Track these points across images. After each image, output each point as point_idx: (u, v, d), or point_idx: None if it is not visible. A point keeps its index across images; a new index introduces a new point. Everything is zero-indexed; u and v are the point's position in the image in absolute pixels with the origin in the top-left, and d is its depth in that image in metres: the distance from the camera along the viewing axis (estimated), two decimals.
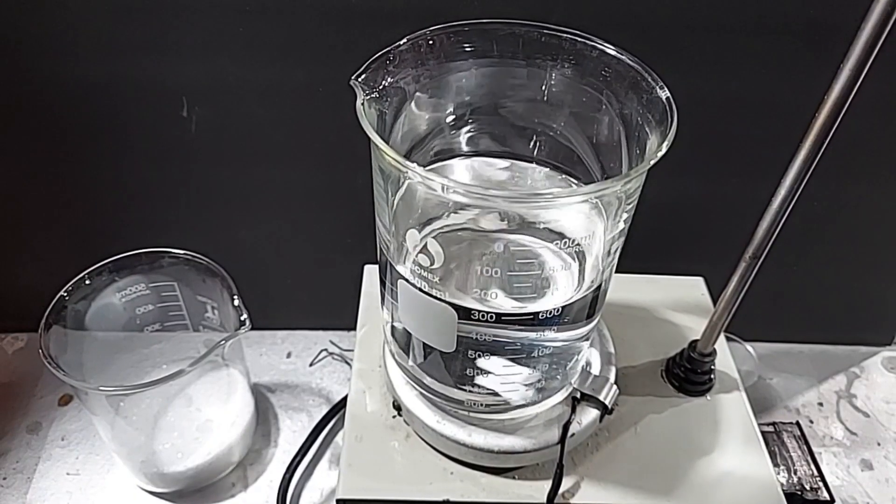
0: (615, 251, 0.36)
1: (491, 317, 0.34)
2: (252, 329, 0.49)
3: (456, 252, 0.38)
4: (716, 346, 0.44)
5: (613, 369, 0.43)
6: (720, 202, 0.59)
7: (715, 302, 0.42)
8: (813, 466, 0.54)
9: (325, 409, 0.60)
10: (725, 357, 0.47)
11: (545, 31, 0.36)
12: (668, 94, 0.32)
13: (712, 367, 0.45)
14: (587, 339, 0.40)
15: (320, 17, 0.48)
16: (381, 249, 0.37)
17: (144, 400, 0.54)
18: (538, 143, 0.40)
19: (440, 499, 0.39)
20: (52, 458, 0.57)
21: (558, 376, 0.39)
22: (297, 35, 0.49)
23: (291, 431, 0.60)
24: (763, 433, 0.43)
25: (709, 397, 0.45)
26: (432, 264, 0.33)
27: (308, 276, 0.64)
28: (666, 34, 0.49)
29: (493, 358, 0.36)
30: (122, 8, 0.47)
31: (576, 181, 0.39)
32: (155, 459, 0.52)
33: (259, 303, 0.66)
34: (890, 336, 0.70)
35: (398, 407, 0.42)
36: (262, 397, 0.62)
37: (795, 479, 0.53)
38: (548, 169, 0.40)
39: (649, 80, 0.33)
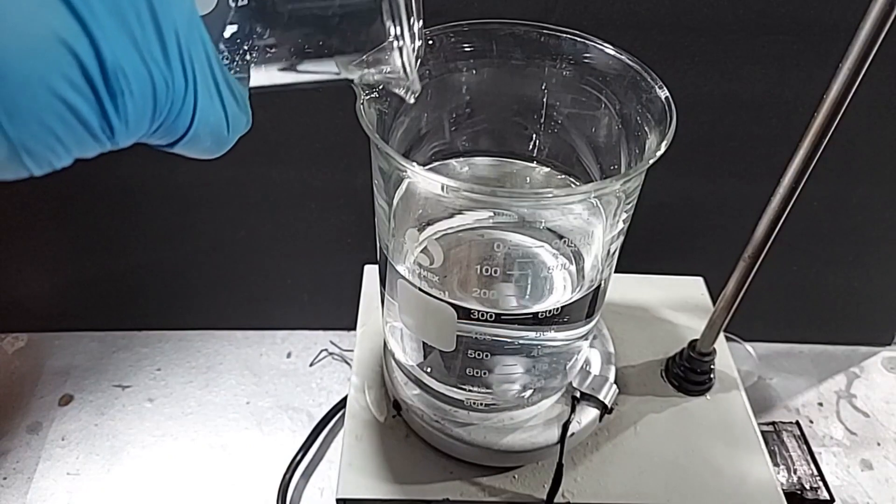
0: (614, 251, 0.36)
1: (490, 316, 0.34)
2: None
3: (456, 252, 0.38)
4: (715, 346, 0.44)
5: (613, 369, 0.43)
6: (720, 202, 0.59)
7: (715, 302, 0.42)
8: (813, 466, 0.54)
9: (325, 409, 0.60)
10: (725, 357, 0.47)
11: (545, 31, 0.36)
12: (668, 94, 0.32)
13: (712, 366, 0.45)
14: (587, 339, 0.40)
15: None
16: (381, 249, 0.37)
17: None
18: (537, 143, 0.40)
19: (440, 498, 0.39)
20: (52, 458, 0.57)
21: (558, 375, 0.39)
22: None
23: (291, 431, 0.60)
24: (763, 433, 0.43)
25: (708, 397, 0.45)
26: (432, 264, 0.33)
27: (308, 276, 0.64)
28: (666, 34, 0.49)
29: (493, 357, 0.36)
30: None
31: (575, 181, 0.40)
32: None
33: (259, 303, 0.66)
34: (890, 336, 0.70)
35: (398, 406, 0.42)
36: (262, 397, 0.62)
37: (795, 479, 0.53)
38: (547, 169, 0.40)
39: (648, 79, 0.33)
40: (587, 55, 0.36)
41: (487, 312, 0.33)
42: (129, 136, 0.18)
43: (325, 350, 0.66)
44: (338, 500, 0.39)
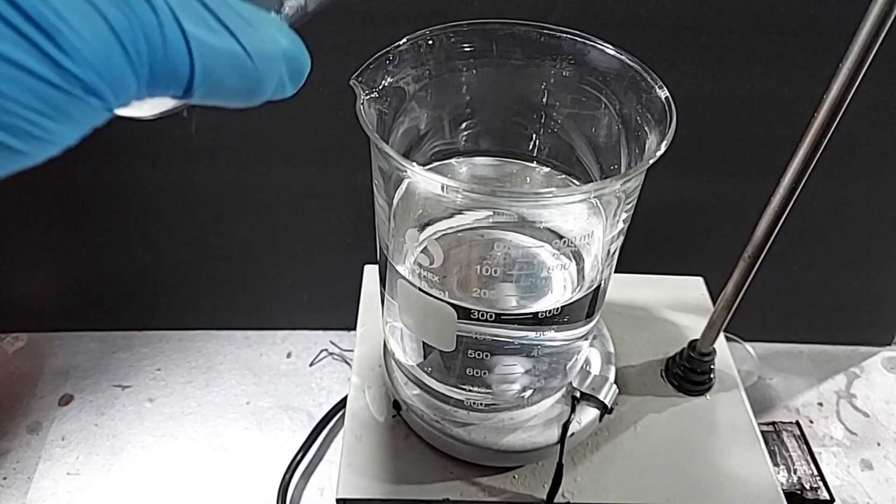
0: (614, 251, 0.36)
1: (491, 316, 0.34)
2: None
3: (456, 252, 0.38)
4: (715, 346, 0.44)
5: (613, 369, 0.43)
6: (720, 202, 0.59)
7: (714, 302, 0.42)
8: (813, 466, 0.54)
9: (325, 409, 0.60)
10: (725, 357, 0.47)
11: (545, 31, 0.36)
12: (668, 94, 0.32)
13: (712, 366, 0.45)
14: (586, 339, 0.40)
15: (320, 17, 0.48)
16: (381, 249, 0.37)
17: None
18: (537, 143, 0.40)
19: (440, 498, 0.39)
20: (52, 458, 0.57)
21: (558, 375, 0.39)
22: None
23: (291, 431, 0.60)
24: (763, 433, 0.43)
25: (708, 397, 0.45)
26: (432, 264, 0.33)
27: (308, 276, 0.64)
28: (666, 34, 0.49)
29: (493, 357, 0.36)
30: None
31: (575, 181, 0.40)
32: None
33: (259, 303, 0.66)
34: (890, 336, 0.70)
35: (398, 406, 0.42)
36: (262, 397, 0.62)
37: (795, 479, 0.53)
38: (547, 169, 0.40)
39: (648, 79, 0.33)
40: (587, 55, 0.36)
41: (487, 312, 0.33)
42: (119, 90, 0.15)
43: (325, 350, 0.66)
44: (338, 500, 0.39)
